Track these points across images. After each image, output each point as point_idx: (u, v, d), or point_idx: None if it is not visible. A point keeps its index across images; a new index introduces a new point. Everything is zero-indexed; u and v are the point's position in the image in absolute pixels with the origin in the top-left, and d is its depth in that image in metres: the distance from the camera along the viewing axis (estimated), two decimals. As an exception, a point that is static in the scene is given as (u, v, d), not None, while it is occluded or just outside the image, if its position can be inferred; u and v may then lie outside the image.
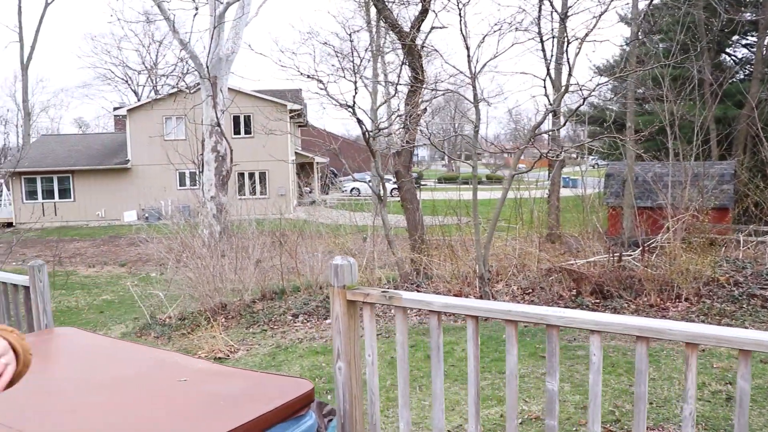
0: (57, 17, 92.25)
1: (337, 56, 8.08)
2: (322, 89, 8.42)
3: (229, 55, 20.08)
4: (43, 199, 31.62)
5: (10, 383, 1.39)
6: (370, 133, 8.61)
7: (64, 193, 31.89)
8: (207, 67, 19.37)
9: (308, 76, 7.98)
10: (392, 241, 9.52)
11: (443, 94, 11.19)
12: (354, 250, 11.80)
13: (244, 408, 2.64)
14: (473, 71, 6.97)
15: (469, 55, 6.98)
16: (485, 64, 7.06)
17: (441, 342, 2.62)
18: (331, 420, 3.25)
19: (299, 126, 36.18)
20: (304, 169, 34.38)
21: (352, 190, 37.92)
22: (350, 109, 8.12)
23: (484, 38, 6.87)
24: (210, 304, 10.02)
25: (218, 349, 7.57)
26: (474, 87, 7.01)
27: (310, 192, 35.39)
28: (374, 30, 21.80)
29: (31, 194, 31.79)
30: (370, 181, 20.32)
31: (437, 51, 8.22)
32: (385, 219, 9.44)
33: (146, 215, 30.37)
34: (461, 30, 6.97)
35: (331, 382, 5.49)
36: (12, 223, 31.41)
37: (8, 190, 35.79)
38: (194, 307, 10.45)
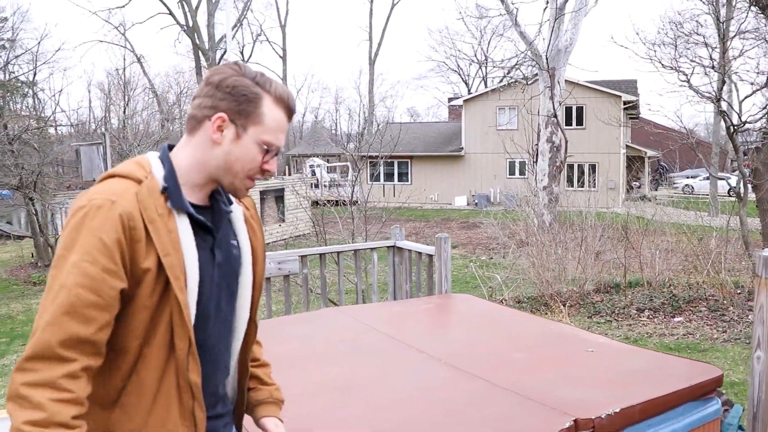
0: (400, 15, 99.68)
1: (707, 46, 7.77)
2: (684, 81, 8.17)
3: (567, 47, 20.13)
4: (384, 181, 34.60)
5: None
6: (735, 128, 8.17)
7: (402, 177, 34.58)
8: (546, 58, 19.62)
9: (672, 68, 7.80)
10: (749, 243, 8.93)
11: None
12: (698, 251, 11.25)
13: (658, 382, 2.82)
14: None
15: None
16: None
17: None
18: (727, 410, 3.29)
19: (630, 118, 34.99)
20: (633, 162, 33.22)
21: (684, 187, 35.78)
22: (716, 103, 7.78)
23: None
24: (549, 291, 10.27)
25: (565, 333, 7.81)
26: None
27: (639, 187, 34.08)
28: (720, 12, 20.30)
29: (374, 176, 34.95)
30: (713, 176, 19.01)
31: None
32: (743, 219, 8.89)
33: (475, 201, 31.75)
34: None
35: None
36: (357, 201, 34.92)
37: (354, 171, 39.67)
38: (530, 292, 10.82)
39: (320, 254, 5.30)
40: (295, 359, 3.21)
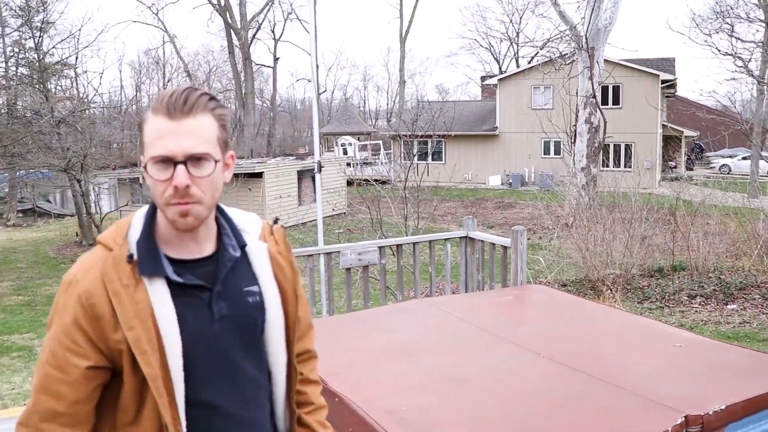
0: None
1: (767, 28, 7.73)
2: (741, 67, 8.16)
3: (607, 26, 19.92)
4: (417, 160, 34.62)
5: None
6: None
7: (436, 156, 34.56)
8: (585, 38, 19.45)
9: (730, 54, 7.80)
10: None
11: None
12: (747, 235, 11.22)
13: (754, 379, 2.92)
14: None
15: None
16: None
17: None
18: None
19: (667, 97, 34.59)
20: (669, 142, 32.89)
21: (721, 167, 35.40)
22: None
23: None
24: (595, 275, 10.33)
25: (619, 319, 7.89)
26: None
27: (675, 167, 33.77)
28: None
29: (407, 155, 34.97)
30: (762, 158, 18.77)
31: None
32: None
33: (510, 180, 31.72)
34: None
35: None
36: (388, 180, 34.96)
37: (385, 150, 39.81)
38: (573, 275, 10.89)
39: (397, 245, 5.50)
40: (398, 350, 3.37)
